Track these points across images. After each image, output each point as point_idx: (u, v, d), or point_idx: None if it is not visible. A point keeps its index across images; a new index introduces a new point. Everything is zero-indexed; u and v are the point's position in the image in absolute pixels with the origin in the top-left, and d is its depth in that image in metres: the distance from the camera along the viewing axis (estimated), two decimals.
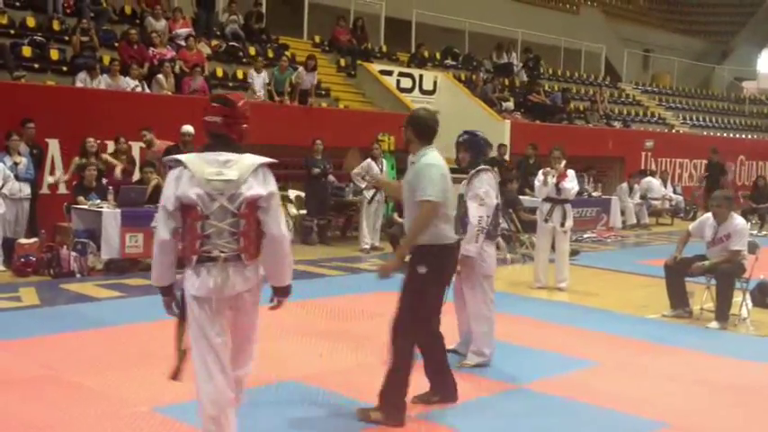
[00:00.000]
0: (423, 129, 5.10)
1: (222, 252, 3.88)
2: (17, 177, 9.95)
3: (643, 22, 32.88)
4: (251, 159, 3.97)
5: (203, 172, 3.87)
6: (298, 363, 6.30)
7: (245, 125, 4.04)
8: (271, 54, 16.75)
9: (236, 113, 4.01)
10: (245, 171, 3.90)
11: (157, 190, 10.54)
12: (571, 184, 9.98)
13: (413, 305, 5.02)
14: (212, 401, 3.88)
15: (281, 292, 4.15)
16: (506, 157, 15.97)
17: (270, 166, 4.02)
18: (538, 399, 5.69)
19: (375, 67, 18.31)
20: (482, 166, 6.27)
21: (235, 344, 4.02)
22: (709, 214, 8.61)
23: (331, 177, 13.58)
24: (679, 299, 8.75)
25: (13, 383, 5.56)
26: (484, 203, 6.12)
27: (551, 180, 9.97)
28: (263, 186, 3.93)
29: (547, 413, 5.43)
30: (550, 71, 24.31)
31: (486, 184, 6.16)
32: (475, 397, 5.65)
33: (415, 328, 5.05)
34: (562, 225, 10.05)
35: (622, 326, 8.17)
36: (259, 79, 14.77)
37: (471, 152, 6.33)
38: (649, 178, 19.52)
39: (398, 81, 18.26)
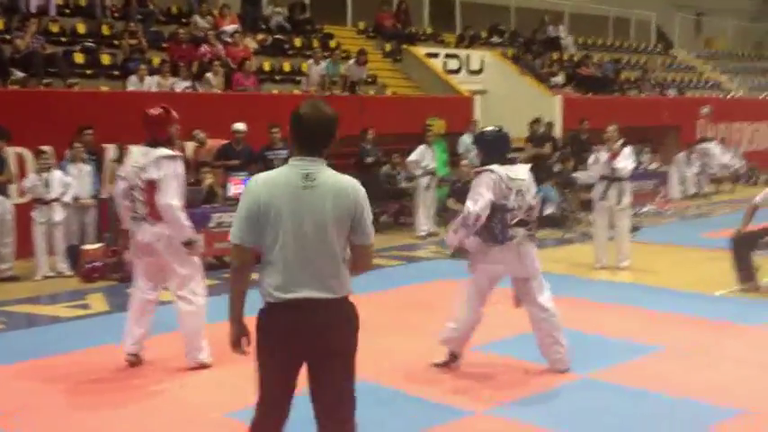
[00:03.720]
0: None
1: (137, 213, 5.98)
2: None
3: None
4: (157, 152, 5.85)
5: (131, 159, 6.10)
6: (362, 360, 6.30)
7: (155, 128, 5.95)
8: (316, 44, 16.75)
9: (146, 121, 5.97)
10: (149, 160, 5.85)
11: (211, 190, 10.67)
12: (624, 163, 9.71)
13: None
14: (131, 295, 6.33)
15: (185, 245, 5.99)
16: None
17: (171, 157, 5.87)
18: (606, 389, 5.61)
19: (421, 50, 18.18)
20: (485, 167, 5.80)
21: (166, 274, 6.11)
22: None
23: (387, 167, 13.57)
24: (746, 273, 8.57)
25: (84, 393, 5.70)
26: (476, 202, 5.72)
27: (603, 158, 9.79)
28: (156, 172, 5.82)
29: (618, 404, 5.34)
30: (599, 42, 23.85)
31: (482, 186, 5.72)
32: (542, 390, 5.62)
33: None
34: (619, 203, 9.88)
35: (688, 305, 8.00)
36: (317, 69, 14.70)
37: (482, 152, 6.06)
38: (706, 144, 19.02)
39: (445, 63, 18.11)
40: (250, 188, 3.47)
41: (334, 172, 3.49)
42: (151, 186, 5.86)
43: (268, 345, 3.48)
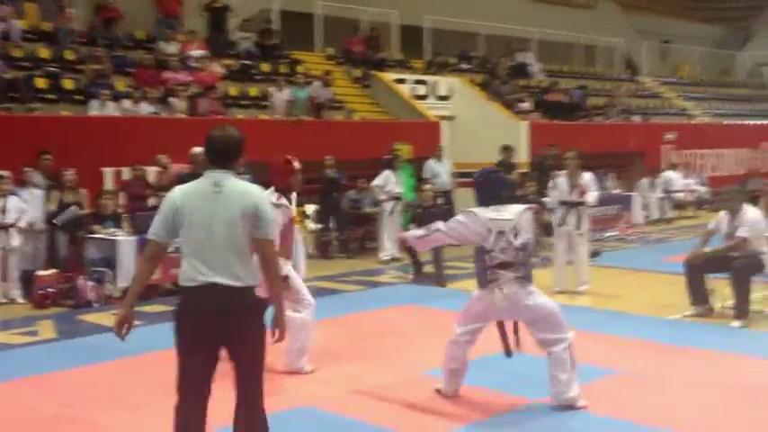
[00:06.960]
0: None
1: None
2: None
3: (661, 12, 32.46)
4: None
5: None
6: (315, 387, 6.26)
7: (273, 176, 6.56)
8: (284, 70, 16.78)
9: (269, 169, 6.64)
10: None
11: None
12: (594, 195, 10.01)
13: None
14: None
15: None
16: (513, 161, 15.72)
17: (275, 205, 6.03)
18: (557, 414, 5.59)
19: (389, 76, 18.27)
20: (469, 209, 5.81)
21: None
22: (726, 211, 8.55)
23: (352, 192, 13.61)
24: (699, 297, 8.63)
25: (30, 424, 5.57)
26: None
27: (561, 184, 9.93)
28: None
29: (559, 427, 5.36)
30: (567, 68, 24.15)
31: (457, 220, 5.78)
32: (493, 414, 5.60)
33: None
34: (578, 228, 9.95)
35: (643, 328, 8.05)
36: (281, 96, 14.78)
37: (475, 192, 5.93)
38: (668, 172, 19.28)
39: (413, 89, 18.18)
40: (168, 196, 4.11)
41: (239, 180, 4.11)
42: None
43: (182, 327, 3.97)
